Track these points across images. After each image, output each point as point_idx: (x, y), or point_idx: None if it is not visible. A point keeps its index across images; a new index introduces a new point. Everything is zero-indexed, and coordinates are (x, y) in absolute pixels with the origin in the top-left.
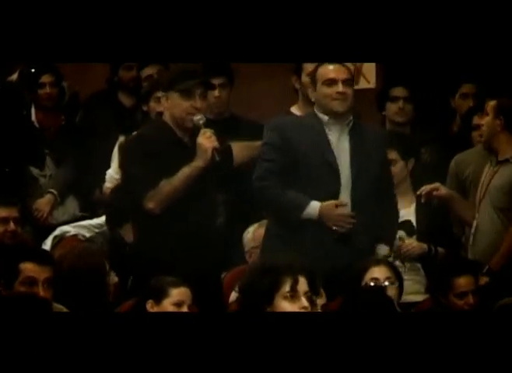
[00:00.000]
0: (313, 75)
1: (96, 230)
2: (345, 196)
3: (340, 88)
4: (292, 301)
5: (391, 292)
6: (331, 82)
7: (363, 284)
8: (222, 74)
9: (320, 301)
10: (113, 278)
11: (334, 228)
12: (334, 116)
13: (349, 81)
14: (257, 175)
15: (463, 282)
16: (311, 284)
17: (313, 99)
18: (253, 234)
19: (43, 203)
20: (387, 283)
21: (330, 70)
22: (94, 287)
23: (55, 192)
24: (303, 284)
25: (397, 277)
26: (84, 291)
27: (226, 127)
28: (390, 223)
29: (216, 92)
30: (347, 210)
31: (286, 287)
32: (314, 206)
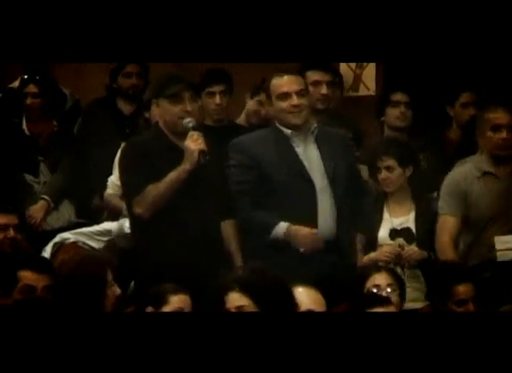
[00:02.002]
0: (267, 90)
1: (97, 237)
2: (324, 204)
3: (294, 100)
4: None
5: (393, 299)
6: (285, 96)
7: (365, 290)
8: (222, 81)
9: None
10: (116, 290)
11: (301, 250)
12: (295, 128)
13: (303, 92)
14: (231, 197)
15: (462, 290)
16: (248, 293)
17: (271, 113)
18: None
19: (36, 210)
20: (389, 289)
21: (282, 83)
22: (90, 296)
23: (48, 198)
24: (232, 301)
25: (399, 284)
26: (80, 299)
27: (225, 134)
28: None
29: (217, 99)
30: (316, 232)
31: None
32: (282, 226)
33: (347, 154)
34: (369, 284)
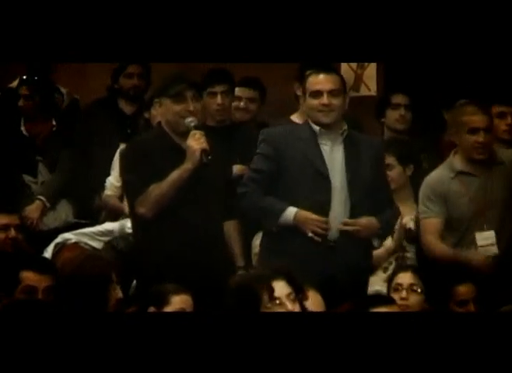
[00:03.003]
0: (304, 86)
1: (99, 237)
2: (337, 205)
3: (324, 99)
4: (277, 309)
5: (414, 299)
6: (317, 94)
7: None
8: (224, 81)
9: (308, 303)
10: (118, 293)
11: (309, 234)
12: (324, 127)
13: (336, 92)
14: (241, 182)
15: (463, 290)
16: (292, 283)
17: (304, 109)
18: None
19: (31, 211)
20: (419, 290)
21: (317, 81)
22: (94, 296)
23: (43, 198)
24: (281, 288)
25: (423, 285)
26: (83, 299)
27: (227, 134)
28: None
29: (219, 100)
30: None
31: (265, 299)
32: (290, 211)
33: (375, 162)
34: (394, 282)
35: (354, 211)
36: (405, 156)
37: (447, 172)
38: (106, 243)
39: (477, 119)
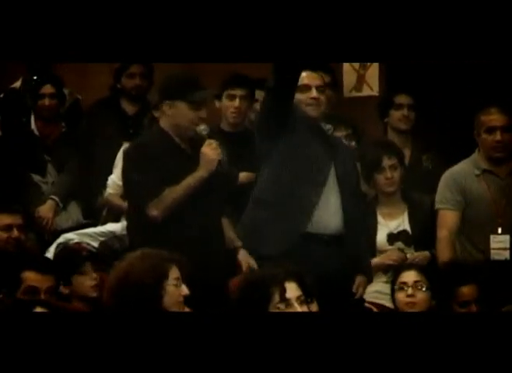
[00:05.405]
0: None
1: (100, 238)
2: (332, 201)
3: (314, 93)
4: (286, 309)
5: (420, 297)
6: (305, 88)
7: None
8: (244, 86)
9: (313, 307)
10: (184, 289)
11: None
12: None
13: (322, 88)
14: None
15: (466, 291)
16: (302, 287)
17: None
18: None
19: (45, 210)
20: (424, 289)
21: (303, 77)
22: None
23: (56, 198)
24: (292, 290)
25: (428, 282)
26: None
27: (239, 140)
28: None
29: (236, 103)
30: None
31: (276, 299)
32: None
33: (352, 159)
34: (398, 280)
35: (345, 208)
36: (402, 157)
37: (472, 169)
38: (102, 243)
39: (494, 118)
